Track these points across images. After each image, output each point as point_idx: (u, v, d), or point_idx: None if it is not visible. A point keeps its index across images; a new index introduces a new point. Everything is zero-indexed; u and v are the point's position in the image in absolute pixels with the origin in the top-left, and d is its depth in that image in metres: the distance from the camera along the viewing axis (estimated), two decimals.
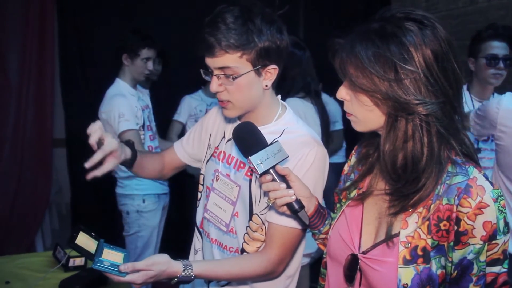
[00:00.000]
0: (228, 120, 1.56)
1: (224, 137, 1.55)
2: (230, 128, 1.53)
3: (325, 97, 3.02)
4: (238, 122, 1.49)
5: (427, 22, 0.99)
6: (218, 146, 1.56)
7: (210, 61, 1.35)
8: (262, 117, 1.44)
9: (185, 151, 1.68)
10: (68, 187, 4.06)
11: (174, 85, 3.82)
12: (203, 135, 1.64)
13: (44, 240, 3.93)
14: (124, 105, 2.81)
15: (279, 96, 1.51)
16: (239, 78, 1.34)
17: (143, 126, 2.94)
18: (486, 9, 3.67)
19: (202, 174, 1.62)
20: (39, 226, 3.86)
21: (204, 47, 1.33)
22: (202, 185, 1.62)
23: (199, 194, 1.64)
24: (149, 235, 2.98)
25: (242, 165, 1.46)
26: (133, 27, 3.10)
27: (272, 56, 1.36)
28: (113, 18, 3.75)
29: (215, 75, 1.35)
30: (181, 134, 3.72)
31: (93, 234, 1.37)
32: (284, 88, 2.43)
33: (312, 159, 1.36)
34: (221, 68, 1.34)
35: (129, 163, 1.52)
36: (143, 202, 2.93)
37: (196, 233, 1.62)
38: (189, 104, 3.77)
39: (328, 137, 2.60)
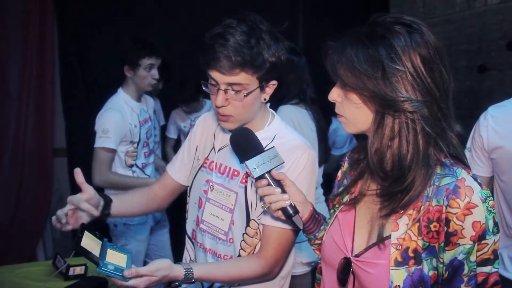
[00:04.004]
0: (216, 129, 1.57)
1: (213, 147, 1.55)
2: (220, 138, 1.54)
3: (337, 123, 3.02)
4: (228, 131, 1.51)
5: (415, 26, 1.02)
6: (208, 156, 1.56)
7: (219, 77, 1.34)
8: (255, 125, 1.46)
9: (179, 172, 1.66)
10: (69, 196, 4.06)
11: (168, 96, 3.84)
12: (191, 151, 1.65)
13: (45, 250, 3.94)
14: (113, 120, 2.68)
15: (268, 104, 1.53)
16: (249, 95, 1.36)
17: (138, 143, 2.83)
18: (483, 14, 3.69)
19: (188, 186, 1.63)
20: (41, 236, 3.87)
21: (216, 63, 1.31)
22: (189, 197, 1.62)
23: (186, 206, 1.65)
24: (137, 249, 2.88)
25: (236, 173, 1.47)
26: (132, 37, 3.10)
27: (276, 71, 1.39)
28: (113, 27, 3.78)
29: (222, 90, 1.35)
30: (176, 146, 3.81)
31: (97, 233, 1.38)
32: (279, 94, 2.43)
33: (304, 162, 1.40)
34: (231, 84, 1.34)
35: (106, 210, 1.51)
36: None
37: (188, 243, 1.63)
38: (175, 120, 3.87)
39: (325, 144, 2.60)
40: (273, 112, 1.54)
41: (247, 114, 1.42)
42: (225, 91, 1.35)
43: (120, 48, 2.87)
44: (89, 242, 1.32)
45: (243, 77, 1.33)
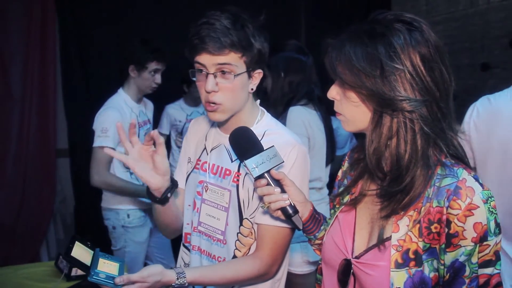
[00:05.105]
0: (208, 131, 1.56)
1: (205, 148, 1.55)
2: (211, 139, 1.53)
3: (337, 122, 3.02)
4: (220, 131, 1.51)
5: (416, 24, 1.01)
6: (199, 158, 1.55)
7: (209, 59, 1.34)
8: (245, 121, 1.45)
9: (183, 180, 1.62)
10: (72, 196, 4.08)
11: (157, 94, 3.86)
12: (186, 156, 1.63)
13: (49, 250, 3.95)
14: (113, 120, 2.64)
15: (258, 101, 1.53)
16: (238, 77, 1.36)
17: None
18: (486, 12, 3.67)
19: (182, 189, 1.60)
20: (44, 236, 3.88)
21: (205, 45, 1.32)
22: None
23: None
24: (136, 251, 2.87)
25: (227, 172, 1.46)
26: (133, 37, 3.08)
27: (261, 60, 1.41)
28: (115, 28, 3.78)
29: (212, 74, 1.35)
30: (166, 143, 3.80)
31: (89, 243, 1.37)
32: (288, 94, 2.43)
33: (294, 158, 1.39)
34: (222, 65, 1.34)
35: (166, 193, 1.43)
36: (127, 217, 2.82)
37: (182, 248, 1.60)
38: (170, 114, 3.85)
39: (332, 143, 2.59)
40: (263, 109, 1.53)
41: (236, 102, 1.41)
42: (214, 75, 1.35)
43: (127, 47, 2.85)
44: (80, 251, 1.32)
45: (232, 58, 1.35)
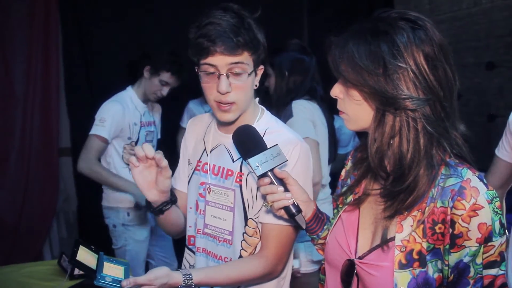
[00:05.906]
0: (206, 131, 1.55)
1: (205, 149, 1.53)
2: (211, 139, 1.52)
3: (341, 121, 3.00)
4: (219, 131, 1.50)
5: (420, 23, 1.01)
6: (200, 159, 1.54)
7: (221, 59, 1.32)
8: (247, 120, 1.44)
9: (184, 182, 1.62)
10: (74, 195, 4.08)
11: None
12: (185, 158, 1.62)
13: (52, 249, 3.95)
14: (113, 112, 2.69)
15: (257, 99, 1.52)
16: (250, 75, 1.37)
17: (137, 142, 2.82)
18: (490, 10, 3.65)
19: (184, 192, 1.59)
20: (47, 235, 3.88)
21: (218, 46, 1.30)
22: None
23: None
24: (137, 250, 2.88)
25: (229, 172, 1.45)
26: (135, 37, 3.05)
27: (264, 57, 1.41)
28: (117, 27, 3.78)
29: (225, 75, 1.34)
30: None
31: (92, 247, 1.37)
32: (291, 93, 2.44)
33: (297, 156, 1.38)
34: (235, 64, 1.33)
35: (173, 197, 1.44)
36: (127, 215, 2.84)
37: (187, 250, 1.59)
38: (190, 109, 3.84)
39: (334, 141, 2.59)
40: (263, 107, 1.53)
41: (247, 100, 1.41)
42: (227, 75, 1.34)
43: (150, 47, 2.87)
44: (85, 255, 1.32)
45: (245, 57, 1.35)
